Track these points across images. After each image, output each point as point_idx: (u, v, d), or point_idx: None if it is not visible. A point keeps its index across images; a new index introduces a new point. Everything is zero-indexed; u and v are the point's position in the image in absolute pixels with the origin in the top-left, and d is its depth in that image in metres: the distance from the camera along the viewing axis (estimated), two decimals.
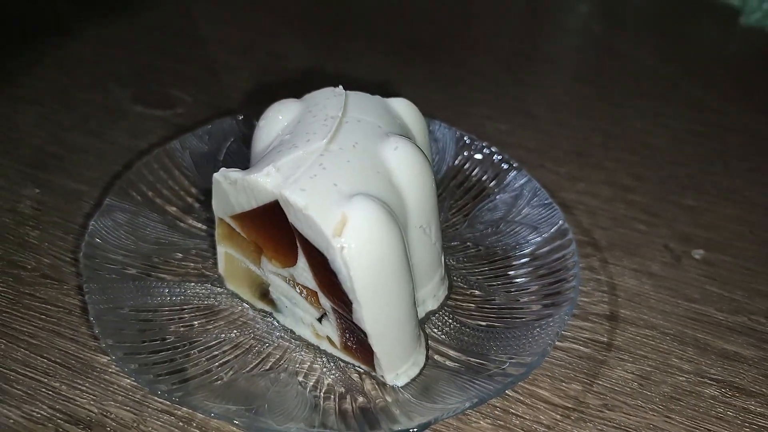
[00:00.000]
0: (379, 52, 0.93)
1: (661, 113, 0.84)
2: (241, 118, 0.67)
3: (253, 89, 0.82)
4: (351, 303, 0.42)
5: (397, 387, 0.46)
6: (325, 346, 0.49)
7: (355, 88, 0.52)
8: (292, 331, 0.50)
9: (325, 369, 0.47)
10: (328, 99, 0.50)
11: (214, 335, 0.49)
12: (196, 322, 0.50)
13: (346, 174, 0.43)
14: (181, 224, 0.58)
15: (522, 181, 0.61)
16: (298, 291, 0.47)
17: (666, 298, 0.57)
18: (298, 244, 0.44)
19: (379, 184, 0.44)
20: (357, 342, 0.46)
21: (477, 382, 0.45)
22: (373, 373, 0.47)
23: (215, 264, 0.55)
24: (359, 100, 0.51)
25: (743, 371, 0.51)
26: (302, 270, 0.45)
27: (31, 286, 0.53)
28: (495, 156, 0.63)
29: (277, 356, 0.48)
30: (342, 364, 0.48)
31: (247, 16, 1.01)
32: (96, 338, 0.49)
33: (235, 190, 0.45)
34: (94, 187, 0.64)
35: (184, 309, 0.51)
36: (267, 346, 0.49)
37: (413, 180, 0.46)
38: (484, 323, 0.51)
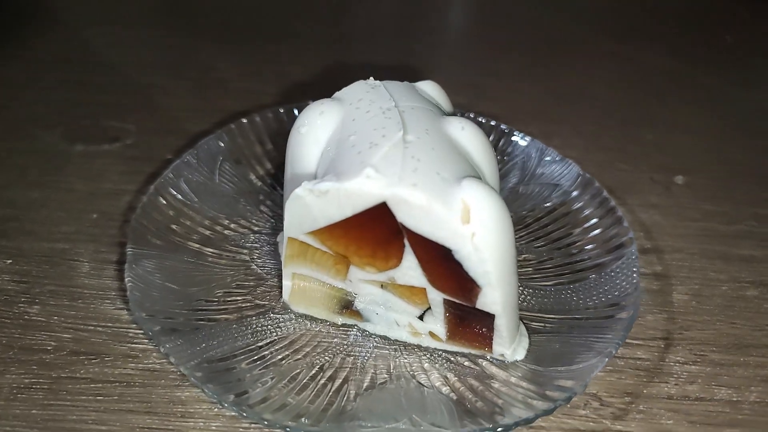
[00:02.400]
0: (310, 49, 0.90)
1: (596, 67, 0.91)
2: (223, 134, 0.61)
3: (199, 106, 0.76)
4: (477, 288, 0.41)
5: (518, 361, 0.46)
6: (426, 342, 0.47)
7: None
8: (384, 338, 0.48)
9: (436, 365, 0.46)
10: (368, 92, 0.48)
11: (310, 364, 0.45)
12: (279, 357, 0.46)
13: (440, 161, 0.42)
14: (209, 258, 0.53)
15: (525, 144, 0.63)
16: (397, 293, 0.45)
17: (676, 222, 0.62)
18: (407, 243, 0.42)
19: (466, 165, 0.44)
20: (468, 328, 0.45)
21: (587, 336, 0.46)
22: (488, 355, 0.46)
23: (265, 292, 0.51)
24: (397, 88, 0.49)
25: (764, 269, 0.58)
26: (408, 269, 0.43)
27: (64, 368, 0.45)
28: (491, 123, 0.65)
29: (385, 366, 0.46)
30: (448, 355, 0.47)
31: (146, 32, 0.93)
32: (184, 401, 0.43)
33: (323, 202, 0.41)
34: (75, 242, 0.56)
35: (261, 347, 0.46)
36: (368, 359, 0.46)
37: (484, 156, 0.46)
38: (550, 283, 0.53)
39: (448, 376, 0.45)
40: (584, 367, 0.43)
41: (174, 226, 0.53)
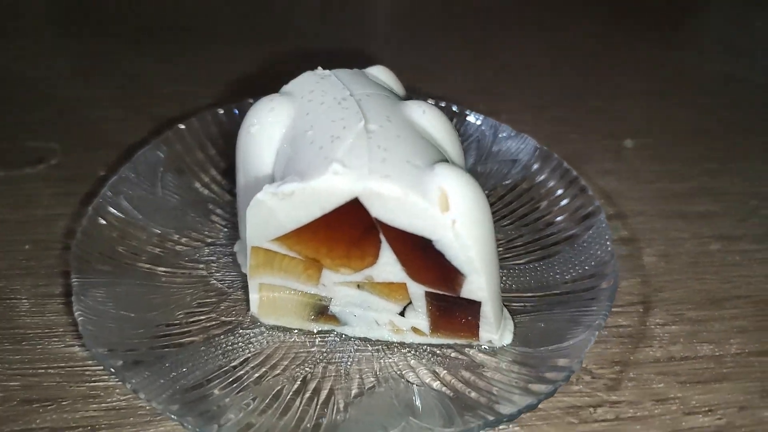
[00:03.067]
0: (236, 47, 0.86)
1: (532, 39, 0.90)
2: (160, 143, 0.57)
3: (126, 115, 0.70)
4: (461, 277, 0.40)
5: (506, 346, 0.44)
6: (409, 338, 0.45)
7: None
8: (364, 339, 0.46)
9: (423, 360, 0.44)
10: (319, 83, 0.46)
11: (291, 378, 0.42)
12: (257, 375, 0.43)
13: (407, 148, 0.40)
14: (163, 278, 0.49)
15: (478, 122, 0.62)
16: (375, 292, 0.43)
17: (632, 186, 0.63)
18: (383, 238, 0.39)
19: (433, 150, 0.42)
20: (453, 318, 0.43)
21: (571, 310, 0.45)
22: (474, 344, 0.45)
23: (230, 307, 0.48)
24: (349, 76, 0.47)
25: (722, 222, 0.59)
26: (385, 265, 0.41)
27: (16, 420, 0.41)
28: (440, 104, 0.63)
29: (370, 369, 0.44)
30: (434, 349, 0.45)
31: (51, 41, 0.86)
32: None
33: (288, 204, 0.39)
34: (9, 278, 0.50)
35: (236, 368, 0.43)
36: (351, 364, 0.44)
37: (448, 138, 0.45)
38: (522, 261, 0.52)
39: (437, 370, 0.43)
40: (576, 343, 0.42)
41: (120, 248, 0.49)
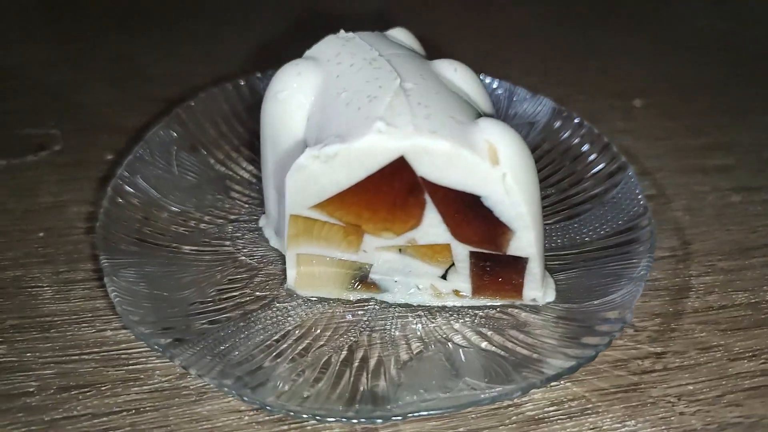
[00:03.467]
0: (226, 23, 0.84)
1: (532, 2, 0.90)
2: (172, 121, 0.55)
3: (121, 97, 0.68)
4: (510, 233, 0.39)
5: (550, 303, 0.44)
6: (451, 301, 0.45)
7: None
8: (405, 305, 0.45)
9: (467, 323, 0.44)
10: (345, 45, 0.44)
11: (336, 348, 0.41)
12: (301, 347, 0.42)
13: (447, 104, 0.39)
14: (190, 257, 0.47)
15: (493, 86, 0.61)
16: (417, 255, 0.42)
17: (647, 144, 0.63)
18: (428, 198, 0.39)
19: (470, 106, 0.41)
20: (496, 278, 0.43)
21: (610, 265, 0.45)
22: (517, 302, 0.44)
23: (262, 282, 0.46)
24: (373, 38, 0.46)
25: (740, 174, 0.59)
26: (429, 227, 0.40)
27: (56, 408, 0.39)
28: None
29: (414, 334, 0.43)
30: (476, 311, 0.44)
31: (31, 26, 0.83)
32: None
33: (331, 168, 0.37)
34: (27, 267, 0.48)
35: (278, 341, 0.42)
36: (394, 331, 0.43)
37: (480, 95, 0.44)
38: (551, 221, 0.51)
39: (483, 331, 0.43)
40: (622, 295, 0.42)
41: (145, 229, 0.47)
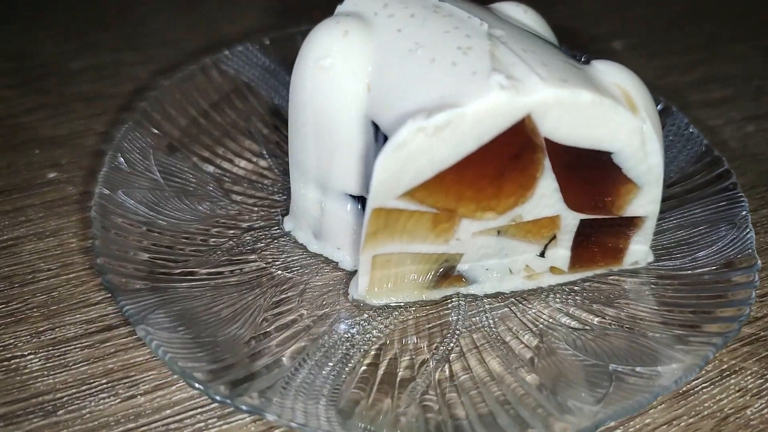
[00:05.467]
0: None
1: None
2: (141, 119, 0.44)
3: (40, 103, 0.54)
4: (636, 190, 0.34)
5: (651, 263, 0.39)
6: (545, 280, 0.39)
7: None
8: (495, 295, 0.38)
9: (569, 300, 0.38)
10: None
11: (442, 359, 0.34)
12: (404, 365, 0.34)
13: (549, 48, 0.33)
14: (212, 284, 0.37)
15: None
16: (518, 235, 0.36)
17: (653, 74, 0.60)
18: (546, 164, 0.32)
19: (561, 49, 0.35)
20: (599, 246, 0.38)
21: (695, 212, 0.42)
22: (613, 269, 0.39)
23: (315, 297, 0.38)
24: None
25: (742, 105, 0.58)
26: (541, 198, 0.34)
27: None
28: None
29: (520, 326, 0.37)
30: (572, 287, 0.39)
31: None
32: None
33: (437, 142, 0.30)
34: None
35: (377, 365, 0.34)
36: (498, 327, 0.37)
37: (552, 37, 0.38)
38: None
39: (595, 307, 0.37)
40: (732, 240, 0.38)
41: (147, 256, 0.37)
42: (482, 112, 0.29)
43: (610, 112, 0.30)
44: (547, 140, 0.31)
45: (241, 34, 0.61)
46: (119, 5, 0.68)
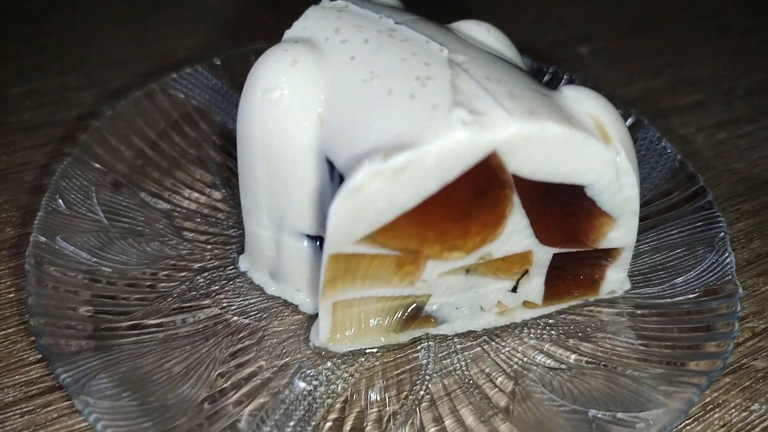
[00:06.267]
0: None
1: None
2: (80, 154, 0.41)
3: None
4: (610, 222, 0.32)
5: (627, 291, 0.38)
6: (518, 315, 0.37)
7: None
8: (465, 334, 0.36)
9: (544, 336, 0.36)
10: (340, 17, 0.34)
11: (411, 408, 0.32)
12: (372, 417, 0.32)
13: (514, 74, 0.30)
14: (161, 336, 0.35)
15: None
16: (488, 272, 0.34)
17: (614, 90, 0.58)
18: (515, 200, 0.30)
19: (527, 73, 0.33)
20: (573, 279, 0.36)
21: (669, 232, 0.40)
22: (589, 299, 0.37)
23: (275, 345, 0.35)
24: (368, 3, 0.35)
25: (713, 109, 0.57)
26: (511, 234, 0.32)
27: None
28: None
29: (494, 368, 0.34)
30: (547, 319, 0.37)
31: None
32: None
33: (397, 184, 0.27)
34: None
35: (342, 419, 0.32)
36: (470, 369, 0.34)
37: (516, 57, 0.36)
38: None
39: (571, 342, 0.35)
40: (707, 268, 0.36)
41: (88, 310, 0.34)
42: (444, 151, 0.26)
43: (582, 145, 0.28)
44: (515, 176, 0.29)
45: (191, 52, 0.58)
46: (63, 24, 0.64)
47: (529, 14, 0.70)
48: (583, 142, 0.28)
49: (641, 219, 0.41)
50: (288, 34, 0.34)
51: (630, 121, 0.46)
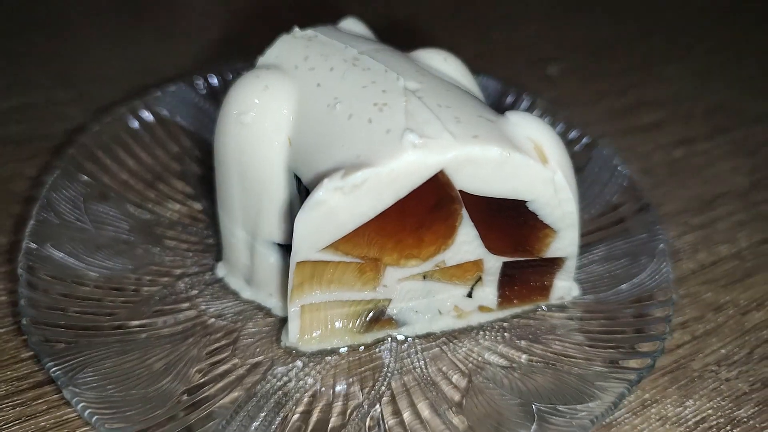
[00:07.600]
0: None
1: None
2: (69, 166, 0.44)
3: None
4: (553, 234, 0.35)
5: (576, 296, 0.41)
6: (475, 319, 0.40)
7: None
8: (425, 336, 0.39)
9: (498, 338, 0.39)
10: (308, 46, 0.37)
11: (372, 401, 0.35)
12: (336, 411, 0.35)
13: (465, 101, 0.34)
14: (143, 336, 0.37)
15: None
16: (443, 278, 0.37)
17: (580, 110, 0.62)
18: (464, 214, 0.33)
19: (479, 99, 0.36)
20: (525, 285, 0.39)
21: (617, 245, 0.43)
22: (541, 305, 0.40)
23: (249, 344, 0.38)
24: (337, 33, 0.39)
25: (673, 128, 0.60)
26: (462, 245, 0.35)
27: None
28: None
29: (451, 367, 0.37)
30: (501, 323, 0.40)
31: None
32: None
33: (355, 199, 0.30)
34: None
35: (309, 413, 0.35)
36: (428, 367, 0.37)
37: (472, 84, 0.39)
38: None
39: (523, 344, 0.38)
40: (650, 275, 0.40)
41: (76, 312, 0.37)
42: (396, 171, 0.30)
43: (520, 165, 0.31)
44: (462, 192, 0.32)
45: (177, 68, 0.61)
46: (52, 39, 0.67)
47: (500, 35, 0.74)
48: (520, 163, 0.31)
49: (593, 231, 0.45)
50: (261, 60, 0.37)
51: (585, 140, 0.49)
